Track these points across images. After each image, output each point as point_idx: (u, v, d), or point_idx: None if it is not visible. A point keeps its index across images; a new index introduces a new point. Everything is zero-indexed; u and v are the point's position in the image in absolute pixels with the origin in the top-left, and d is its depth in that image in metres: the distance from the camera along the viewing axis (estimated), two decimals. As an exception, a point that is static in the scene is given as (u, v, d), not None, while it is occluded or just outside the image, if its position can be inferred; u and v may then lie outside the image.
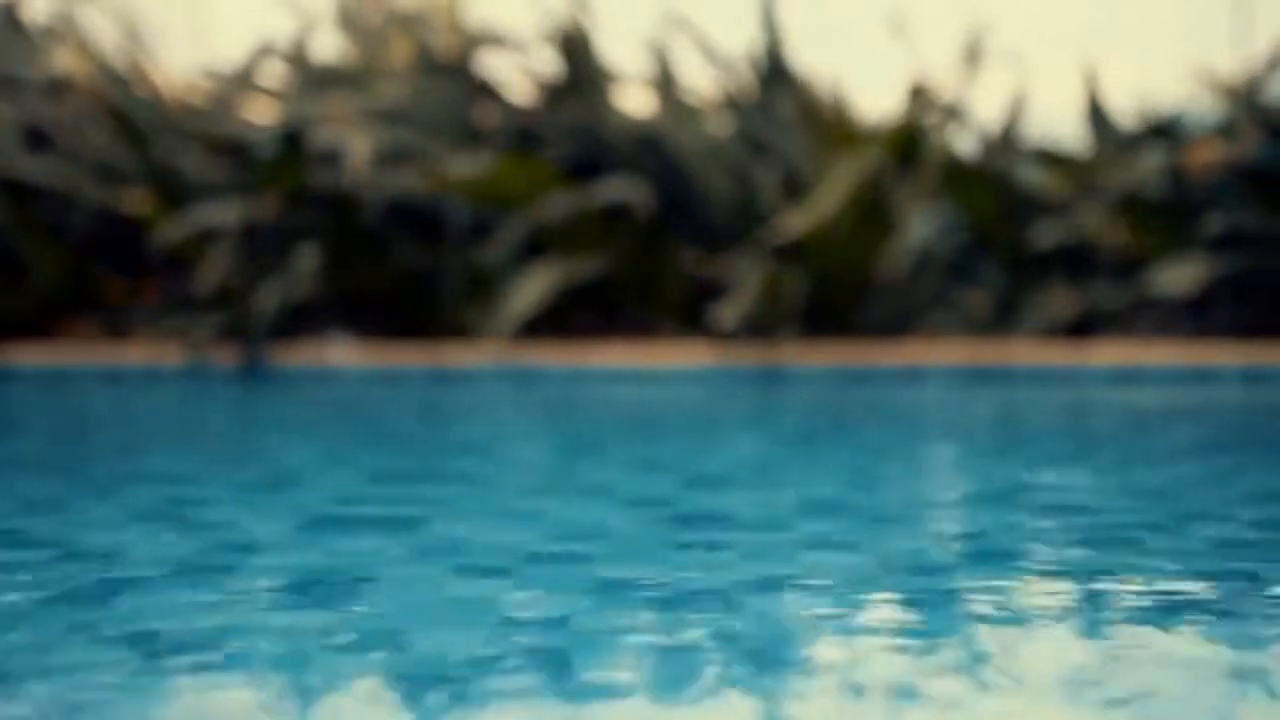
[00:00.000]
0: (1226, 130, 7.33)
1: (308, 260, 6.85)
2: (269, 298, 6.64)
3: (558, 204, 6.91)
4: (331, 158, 7.04)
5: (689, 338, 6.83)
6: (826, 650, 1.48)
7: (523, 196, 7.01)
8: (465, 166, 7.08)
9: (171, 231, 6.82)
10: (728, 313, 6.55)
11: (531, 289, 6.69)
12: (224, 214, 6.92)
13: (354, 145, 6.78)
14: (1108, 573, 1.86)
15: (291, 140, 6.98)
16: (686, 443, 3.94)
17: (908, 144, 7.18)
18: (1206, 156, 7.14)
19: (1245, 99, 7.30)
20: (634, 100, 7.57)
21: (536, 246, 6.99)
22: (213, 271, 6.83)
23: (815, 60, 7.62)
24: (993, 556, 2.01)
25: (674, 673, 1.38)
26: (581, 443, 4.03)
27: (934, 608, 1.64)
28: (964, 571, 1.87)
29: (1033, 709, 1.28)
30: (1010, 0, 7.69)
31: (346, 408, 5.31)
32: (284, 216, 7.03)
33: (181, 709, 1.28)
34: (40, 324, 7.08)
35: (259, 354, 6.49)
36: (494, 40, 7.70)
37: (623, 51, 7.59)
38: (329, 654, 1.45)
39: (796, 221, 6.87)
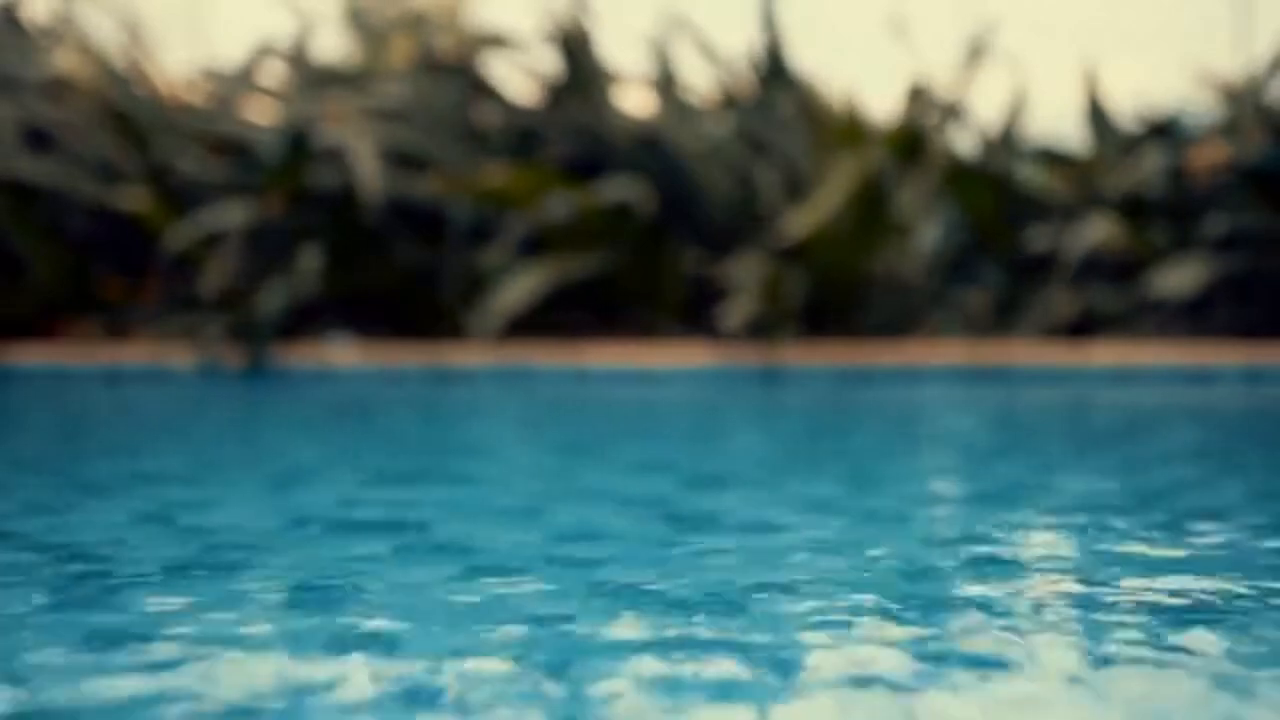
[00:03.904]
0: (1228, 130, 7.33)
1: (312, 260, 6.85)
2: (275, 298, 6.64)
3: (558, 204, 6.91)
4: (334, 158, 7.04)
5: (689, 338, 6.83)
6: (826, 651, 1.48)
7: (524, 197, 7.01)
8: (471, 173, 7.09)
9: (178, 238, 6.82)
10: (731, 313, 6.55)
11: (521, 286, 6.69)
12: (229, 216, 6.92)
13: (361, 155, 6.77)
14: (1107, 572, 1.86)
15: (297, 142, 6.99)
16: (687, 443, 3.94)
17: (908, 144, 7.18)
18: (1210, 157, 7.14)
19: (1247, 100, 7.30)
20: (634, 100, 7.58)
21: (537, 246, 7.00)
22: (218, 273, 6.83)
23: (815, 60, 7.63)
24: (993, 556, 2.01)
25: (674, 672, 1.38)
26: (582, 442, 4.03)
27: (934, 607, 1.64)
28: (963, 571, 1.87)
29: (1033, 709, 1.28)
30: (1010, 0, 7.69)
31: (348, 407, 5.32)
32: (287, 217, 7.03)
33: (184, 708, 1.28)
34: (40, 324, 7.08)
35: (264, 354, 6.49)
36: (495, 40, 7.70)
37: (623, 51, 7.59)
38: (331, 651, 1.45)
39: (798, 222, 6.87)
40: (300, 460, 3.48)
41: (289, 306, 6.73)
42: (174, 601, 1.69)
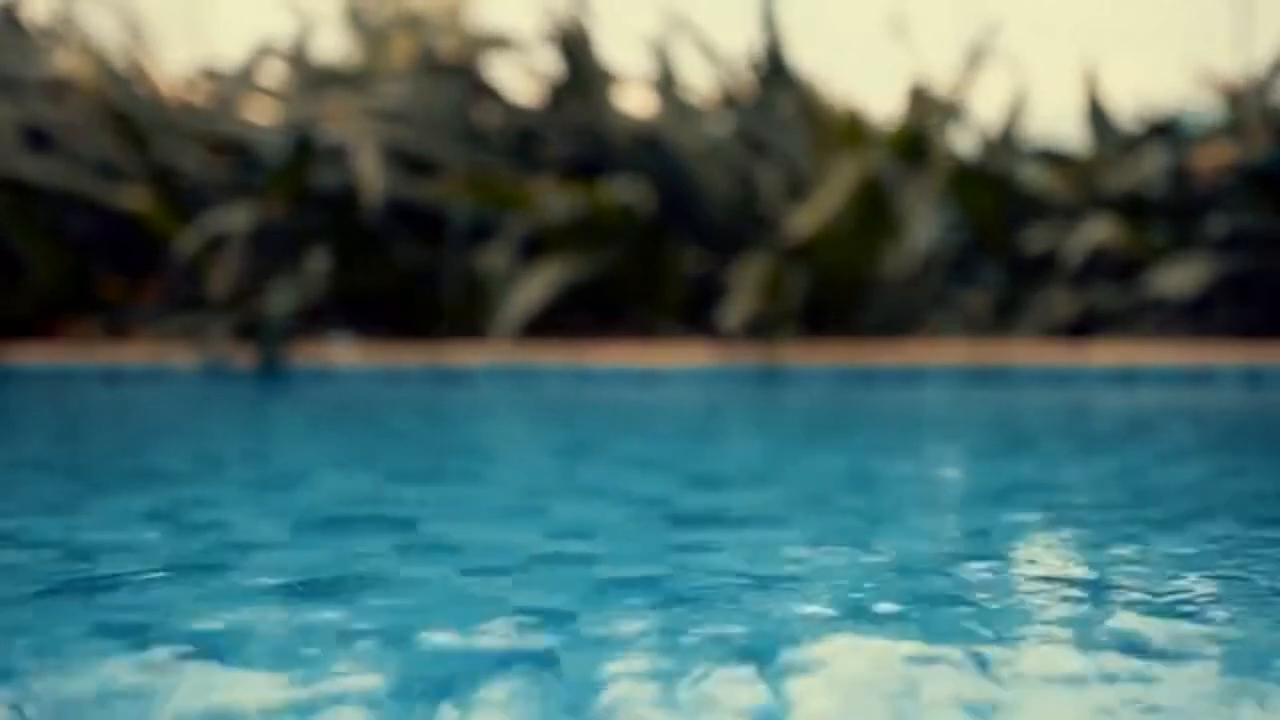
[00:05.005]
0: (1230, 131, 7.34)
1: (319, 262, 6.86)
2: (285, 299, 6.63)
3: (559, 204, 6.91)
4: (335, 158, 7.05)
5: (689, 338, 6.83)
6: (826, 650, 1.48)
7: (524, 197, 7.01)
8: (472, 174, 7.10)
9: (188, 243, 6.82)
10: (731, 313, 6.55)
11: (533, 288, 6.70)
12: (233, 218, 6.92)
13: (363, 156, 6.77)
14: (1107, 573, 1.86)
15: (299, 143, 6.99)
16: (688, 442, 3.94)
17: (909, 144, 7.18)
18: (1215, 158, 7.15)
19: (1251, 100, 7.30)
20: (634, 100, 7.58)
21: (537, 247, 7.00)
22: (225, 274, 6.84)
23: (815, 60, 7.63)
24: (993, 556, 2.01)
25: (676, 672, 1.38)
26: (585, 441, 4.03)
27: (935, 608, 1.64)
28: (964, 571, 1.87)
29: (1032, 710, 1.28)
30: (1010, 0, 7.70)
31: (352, 406, 5.32)
32: (289, 217, 7.04)
33: (183, 707, 1.28)
34: (40, 324, 7.08)
35: (276, 355, 6.48)
36: (495, 41, 7.71)
37: (623, 51, 7.60)
38: (332, 650, 1.45)
39: (801, 222, 6.87)
40: (310, 457, 3.48)
41: (297, 308, 6.73)
42: (176, 597, 1.69)
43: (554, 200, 6.90)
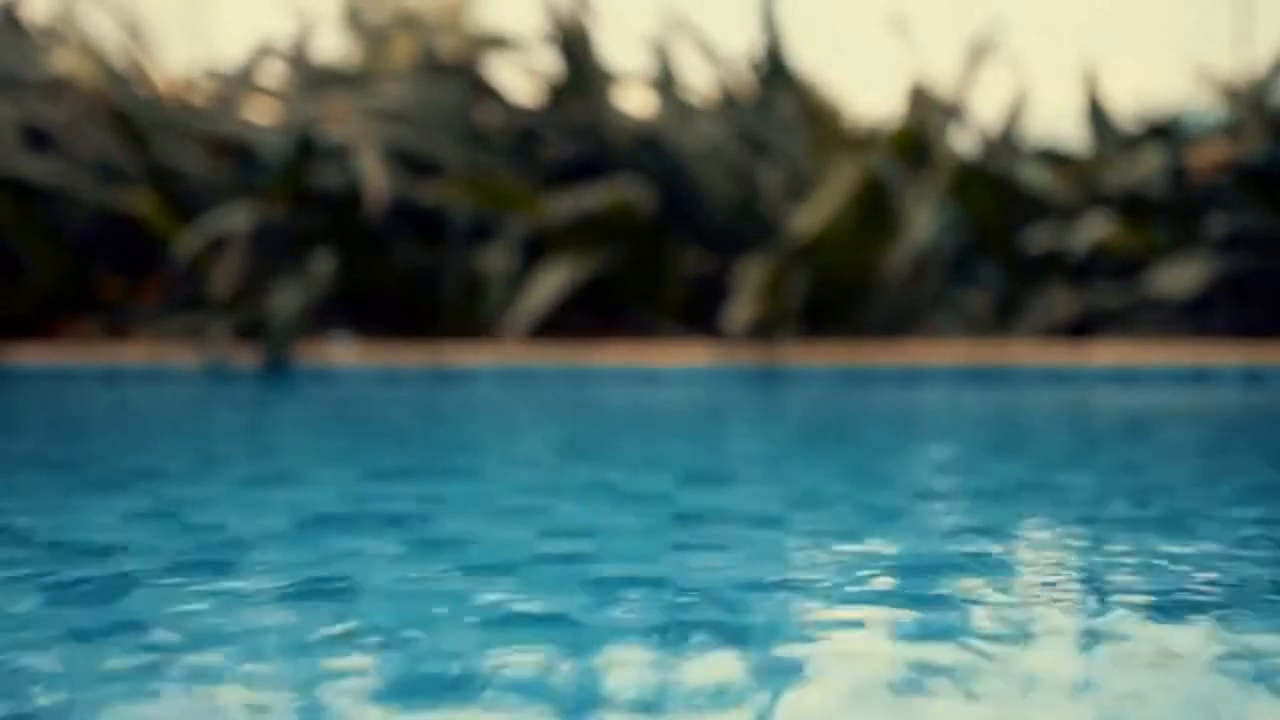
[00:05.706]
0: (1230, 130, 7.34)
1: (323, 263, 6.85)
2: (289, 299, 6.63)
3: (560, 204, 6.91)
4: (336, 158, 7.04)
5: (690, 338, 6.83)
6: (827, 649, 1.48)
7: (525, 198, 7.01)
8: (472, 175, 7.09)
9: (188, 245, 6.82)
10: (735, 316, 6.55)
11: (542, 288, 6.69)
12: (234, 219, 6.92)
13: (367, 159, 6.76)
14: (1106, 572, 1.86)
15: (301, 144, 6.99)
16: (688, 442, 3.94)
17: (909, 144, 7.18)
18: (1214, 157, 7.15)
19: (1250, 100, 7.30)
20: (634, 100, 7.58)
21: (537, 247, 7.00)
22: (225, 275, 6.83)
23: (815, 60, 7.63)
24: (992, 555, 2.01)
25: (675, 672, 1.38)
26: (587, 441, 4.03)
27: (934, 607, 1.64)
28: (963, 570, 1.87)
29: (1032, 710, 1.28)
30: (1010, 0, 7.70)
31: (351, 407, 5.32)
32: (289, 218, 7.03)
33: (180, 707, 1.27)
34: (40, 324, 7.08)
35: (280, 355, 6.47)
36: (496, 41, 7.71)
37: (623, 51, 7.60)
38: (332, 649, 1.45)
39: (802, 223, 6.87)
40: (310, 457, 3.48)
41: (302, 308, 6.73)
42: (176, 597, 1.69)
43: (560, 203, 6.90)
